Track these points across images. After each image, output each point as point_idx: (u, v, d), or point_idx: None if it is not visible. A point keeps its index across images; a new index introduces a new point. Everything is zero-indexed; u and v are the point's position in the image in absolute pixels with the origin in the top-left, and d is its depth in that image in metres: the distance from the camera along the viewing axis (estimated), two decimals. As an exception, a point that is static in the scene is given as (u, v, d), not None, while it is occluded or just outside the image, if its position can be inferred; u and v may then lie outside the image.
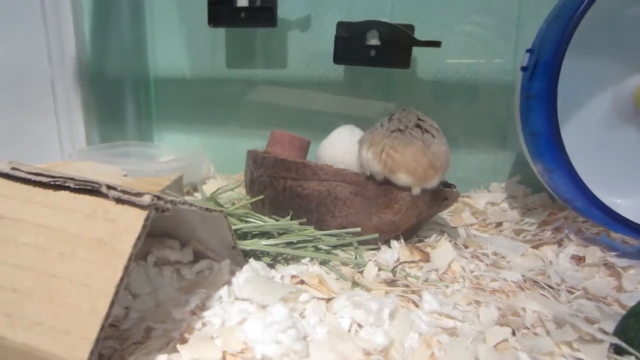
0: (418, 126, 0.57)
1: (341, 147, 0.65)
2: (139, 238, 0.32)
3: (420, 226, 0.65)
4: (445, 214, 0.76)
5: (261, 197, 0.65)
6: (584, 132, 0.65)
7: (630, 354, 0.38)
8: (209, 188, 0.81)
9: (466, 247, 0.62)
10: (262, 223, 0.56)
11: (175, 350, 0.37)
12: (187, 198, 0.68)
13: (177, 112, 1.00)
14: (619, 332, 0.41)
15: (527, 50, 0.60)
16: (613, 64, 0.63)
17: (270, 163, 0.64)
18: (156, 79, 0.99)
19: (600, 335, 0.40)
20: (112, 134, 0.96)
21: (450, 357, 0.38)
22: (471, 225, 0.72)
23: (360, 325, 0.41)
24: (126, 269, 0.31)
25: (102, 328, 0.30)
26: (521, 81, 0.62)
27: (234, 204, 0.68)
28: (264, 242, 0.53)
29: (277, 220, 0.59)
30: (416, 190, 0.56)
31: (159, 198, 0.34)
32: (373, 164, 0.56)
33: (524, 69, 0.60)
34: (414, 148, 0.54)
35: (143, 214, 0.33)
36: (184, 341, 0.38)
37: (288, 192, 0.62)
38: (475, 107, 0.85)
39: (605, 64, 0.63)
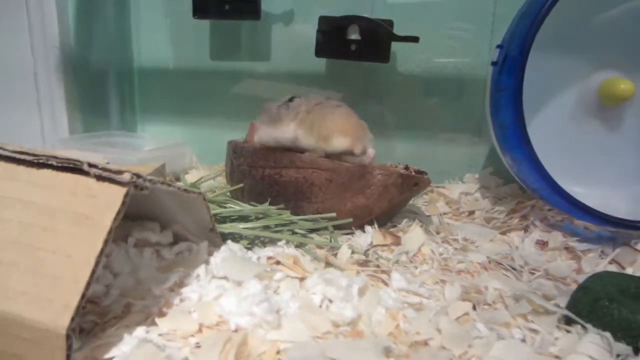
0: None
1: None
2: (118, 213, 0.34)
3: (395, 213, 0.68)
4: (420, 204, 0.79)
5: (241, 185, 0.67)
6: (551, 125, 0.68)
7: (579, 324, 0.41)
8: (191, 177, 0.82)
9: (438, 233, 0.65)
10: (240, 208, 0.58)
11: (154, 324, 0.39)
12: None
13: (161, 103, 1.01)
14: (570, 305, 0.44)
15: (497, 46, 0.63)
16: (579, 62, 0.66)
17: (249, 152, 0.66)
18: (140, 70, 1.01)
19: (552, 308, 0.43)
20: (96, 125, 0.97)
21: (414, 328, 0.41)
22: (445, 214, 0.75)
23: (330, 301, 0.44)
24: (106, 241, 0.33)
25: (83, 296, 0.32)
26: (491, 75, 0.65)
27: (214, 192, 0.70)
28: (242, 225, 0.55)
29: (255, 206, 0.61)
30: (358, 149, 0.58)
31: (138, 176, 0.36)
32: (308, 140, 0.60)
33: (494, 63, 0.63)
34: (341, 112, 0.60)
35: (123, 190, 0.35)
36: (162, 315, 0.40)
37: (266, 180, 0.64)
38: (451, 102, 0.88)
39: (572, 61, 0.66)
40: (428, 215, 0.72)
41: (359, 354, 0.35)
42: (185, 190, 0.44)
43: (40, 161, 0.36)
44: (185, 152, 0.90)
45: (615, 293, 0.41)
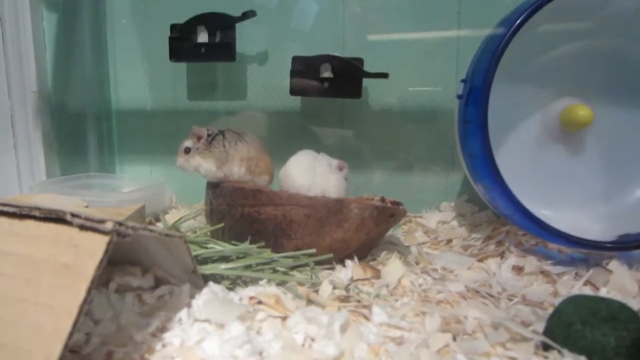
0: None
1: (301, 172, 0.69)
2: (101, 261, 0.35)
3: (374, 245, 0.69)
4: (399, 234, 0.81)
5: (221, 225, 0.68)
6: (518, 152, 0.72)
7: (555, 349, 0.42)
8: (171, 218, 0.83)
9: (417, 263, 0.67)
10: (221, 248, 0.59)
11: (137, 371, 0.39)
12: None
13: (139, 144, 1.02)
14: (546, 330, 0.46)
15: (462, 80, 0.67)
16: (539, 91, 0.71)
17: (228, 192, 0.67)
18: (118, 111, 1.02)
19: (528, 335, 0.45)
20: (74, 167, 0.97)
21: (396, 362, 0.42)
22: (423, 243, 0.77)
23: (313, 339, 0.44)
24: (89, 290, 0.34)
25: (65, 346, 0.32)
26: (458, 108, 0.68)
27: (195, 232, 0.71)
28: (223, 266, 0.56)
29: (236, 245, 0.62)
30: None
31: (120, 224, 0.37)
32: (247, 177, 0.72)
33: (459, 97, 0.66)
34: (265, 152, 0.75)
35: (105, 239, 0.36)
36: (145, 361, 0.40)
37: (246, 219, 0.65)
38: (424, 132, 0.91)
39: (533, 90, 0.70)
40: (407, 246, 0.74)
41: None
42: (166, 234, 0.45)
43: (24, 212, 0.37)
44: (164, 192, 0.91)
45: (588, 316, 0.43)
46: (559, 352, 0.42)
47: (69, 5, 0.95)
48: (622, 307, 0.44)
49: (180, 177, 0.99)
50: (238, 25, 0.86)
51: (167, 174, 1.00)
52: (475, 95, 0.63)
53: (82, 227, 0.36)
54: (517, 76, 0.69)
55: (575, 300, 0.46)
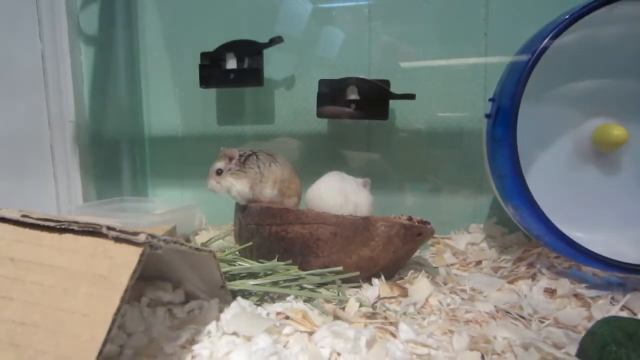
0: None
1: (333, 191, 0.70)
2: (135, 271, 0.37)
3: (401, 265, 0.69)
4: (427, 255, 0.81)
5: (250, 244, 0.70)
6: (550, 173, 0.71)
7: (588, 369, 0.42)
8: (201, 239, 0.85)
9: (445, 284, 0.67)
10: (249, 265, 0.61)
11: (167, 382, 0.41)
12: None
13: (171, 168, 1.06)
14: (579, 352, 0.45)
15: (490, 99, 0.68)
16: (571, 110, 0.70)
17: (256, 212, 0.69)
18: (151, 138, 1.07)
19: (561, 355, 0.44)
20: (109, 192, 1.02)
21: (423, 379, 0.42)
22: (452, 264, 0.76)
23: (339, 354, 0.45)
24: (122, 299, 0.36)
25: (100, 353, 0.34)
26: (486, 128, 0.68)
27: (224, 251, 0.73)
28: (252, 282, 0.57)
29: (263, 262, 0.63)
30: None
31: (152, 237, 0.39)
32: (277, 198, 0.73)
33: (487, 116, 0.67)
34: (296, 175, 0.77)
35: (139, 250, 0.38)
36: (175, 373, 0.42)
37: (274, 237, 0.67)
38: (452, 154, 0.92)
39: (564, 110, 0.70)
40: (435, 267, 0.74)
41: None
42: (196, 249, 0.47)
43: (63, 226, 0.40)
44: (195, 214, 0.94)
45: (623, 338, 0.42)
46: (592, 372, 0.41)
47: (105, 38, 1.01)
48: (658, 327, 0.43)
49: (211, 200, 1.02)
50: (265, 52, 0.90)
51: (197, 197, 1.03)
52: (504, 115, 0.63)
53: (116, 240, 0.38)
54: (546, 96, 0.69)
55: (610, 322, 0.45)
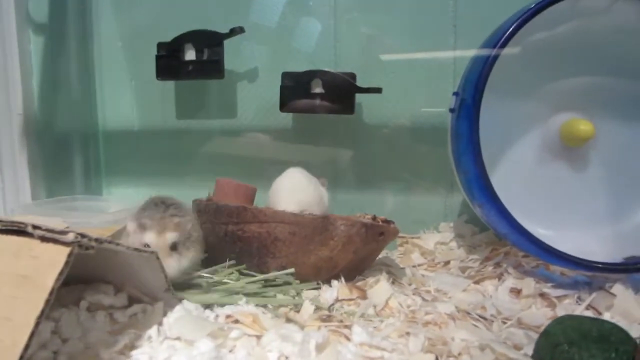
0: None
1: (296, 187, 0.71)
2: (61, 273, 0.37)
3: (365, 266, 0.70)
4: (395, 256, 0.82)
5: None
6: (516, 169, 0.72)
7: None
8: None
9: (410, 285, 0.68)
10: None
11: (101, 390, 0.40)
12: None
13: (127, 165, 1.05)
14: (534, 352, 0.46)
15: (454, 93, 0.69)
16: (538, 105, 0.72)
17: (212, 210, 0.69)
18: (105, 132, 1.05)
19: (514, 355, 0.45)
20: (59, 189, 1.00)
21: (372, 383, 0.42)
22: (420, 265, 0.77)
23: (287, 358, 0.45)
24: (47, 302, 0.36)
25: (21, 359, 0.34)
26: (450, 122, 0.69)
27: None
28: (197, 295, 0.57)
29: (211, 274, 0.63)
30: None
31: (82, 236, 0.39)
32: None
33: (451, 110, 0.68)
34: None
35: (66, 250, 0.37)
36: (110, 380, 0.42)
37: (230, 237, 0.66)
38: (423, 150, 0.93)
39: (531, 105, 0.72)
40: (402, 268, 0.75)
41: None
42: (135, 249, 0.46)
43: (-16, 225, 0.39)
44: (150, 214, 0.92)
45: (576, 337, 0.43)
46: (545, 373, 0.42)
47: (56, 27, 1.00)
48: (614, 328, 0.44)
49: (169, 198, 1.02)
50: (227, 42, 0.90)
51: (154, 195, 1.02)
52: (466, 109, 0.64)
53: (43, 239, 0.38)
54: (512, 89, 0.70)
55: (564, 321, 0.46)
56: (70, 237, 0.38)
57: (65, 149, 1.02)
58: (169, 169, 1.02)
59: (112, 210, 0.92)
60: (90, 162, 1.04)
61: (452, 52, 0.87)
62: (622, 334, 0.43)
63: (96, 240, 0.40)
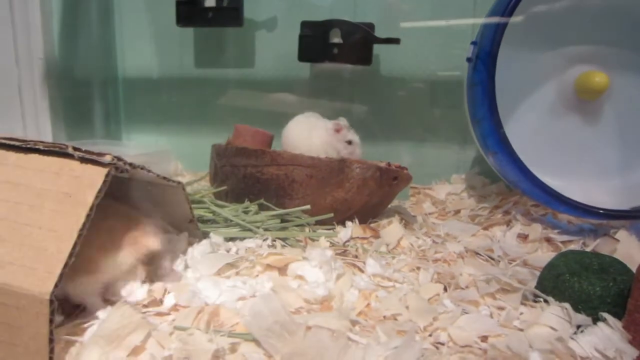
0: None
1: (307, 131, 0.74)
2: (100, 191, 0.40)
3: (378, 211, 0.73)
4: (407, 205, 0.85)
5: (224, 188, 0.73)
6: (531, 120, 0.74)
7: (542, 298, 0.46)
8: (176, 184, 0.88)
9: (420, 229, 0.71)
10: (217, 209, 0.64)
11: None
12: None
13: (146, 112, 1.08)
14: (537, 283, 0.49)
15: (472, 43, 0.70)
16: (554, 57, 0.73)
17: (231, 153, 0.72)
18: (125, 79, 1.08)
19: (518, 285, 0.48)
20: (80, 135, 1.03)
21: (384, 306, 0.46)
22: (431, 213, 0.80)
23: (305, 280, 0.49)
24: (88, 216, 0.39)
25: (66, 265, 0.37)
26: (467, 72, 0.71)
27: (199, 193, 0.76)
28: (222, 229, 0.61)
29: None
30: None
31: (119, 159, 0.42)
32: None
33: (468, 59, 0.70)
34: None
35: (104, 170, 0.41)
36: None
37: (249, 179, 0.70)
38: (438, 104, 0.95)
39: (547, 56, 0.73)
40: (413, 215, 0.78)
41: (323, 319, 0.39)
42: (164, 178, 0.49)
43: (28, 146, 0.42)
44: (169, 159, 0.96)
45: (578, 268, 0.46)
46: (545, 301, 0.46)
47: (77, -31, 1.01)
48: (614, 261, 0.47)
49: (187, 146, 1.05)
50: (247, -10, 0.91)
51: (173, 143, 1.05)
52: (483, 57, 0.66)
53: (82, 160, 0.41)
54: (530, 40, 0.71)
55: (567, 254, 0.49)
56: (107, 158, 0.41)
57: (85, 94, 1.05)
58: (187, 117, 1.05)
59: (131, 155, 0.96)
60: (110, 108, 1.07)
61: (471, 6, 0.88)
62: (620, 266, 0.46)
63: (130, 164, 0.43)
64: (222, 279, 0.49)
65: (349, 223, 0.67)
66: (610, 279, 0.44)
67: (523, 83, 0.73)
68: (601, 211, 0.65)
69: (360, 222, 0.68)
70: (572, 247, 0.65)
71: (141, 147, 0.99)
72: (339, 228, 0.67)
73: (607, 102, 0.73)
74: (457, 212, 0.80)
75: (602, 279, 0.44)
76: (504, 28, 0.63)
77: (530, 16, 0.68)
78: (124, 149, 1.00)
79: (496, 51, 0.63)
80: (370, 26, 0.87)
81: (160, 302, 0.45)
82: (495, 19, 0.65)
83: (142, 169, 0.45)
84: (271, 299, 0.38)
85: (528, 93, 0.74)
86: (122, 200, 0.55)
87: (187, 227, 0.56)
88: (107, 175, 0.40)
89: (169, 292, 0.46)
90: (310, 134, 0.74)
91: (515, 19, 0.64)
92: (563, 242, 0.65)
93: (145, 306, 0.44)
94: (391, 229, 0.65)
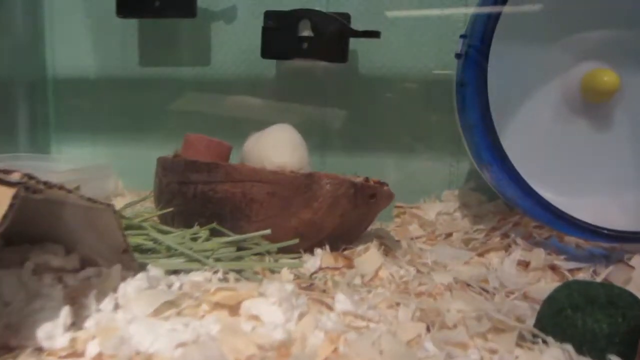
0: None
1: (285, 144, 0.73)
2: (5, 217, 0.39)
3: (353, 235, 0.73)
4: (390, 227, 0.84)
5: (170, 209, 0.72)
6: (532, 127, 0.75)
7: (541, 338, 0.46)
8: (115, 205, 0.87)
9: (404, 256, 0.70)
10: (159, 237, 0.63)
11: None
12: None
13: (80, 119, 1.07)
14: (536, 320, 0.49)
15: (461, 36, 0.70)
16: (557, 52, 0.74)
17: (179, 167, 0.71)
18: (55, 80, 1.06)
19: (512, 323, 0.48)
20: (0, 146, 1.02)
21: (354, 351, 0.45)
22: (417, 237, 0.80)
23: (259, 321, 0.48)
24: (-11, 248, 0.38)
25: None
26: (456, 70, 0.71)
27: (141, 216, 0.74)
28: (163, 260, 0.60)
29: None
30: None
31: (30, 177, 0.41)
32: None
33: (457, 55, 0.70)
34: None
35: (11, 192, 0.39)
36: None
37: (199, 199, 0.69)
38: (426, 108, 0.95)
39: (549, 52, 0.74)
40: (397, 240, 0.77)
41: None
42: (89, 199, 0.48)
43: None
44: (107, 176, 0.95)
45: (582, 302, 0.46)
46: (544, 341, 0.45)
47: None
48: (623, 293, 0.47)
49: (130, 160, 1.03)
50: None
51: (113, 156, 1.04)
52: (474, 53, 0.66)
53: (-16, 179, 0.40)
54: (527, 33, 0.72)
55: (570, 285, 0.49)
56: (15, 176, 0.40)
57: (7, 100, 1.03)
58: (130, 125, 1.04)
59: (61, 171, 0.94)
60: (37, 114, 1.06)
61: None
62: (631, 299, 0.46)
63: (45, 183, 0.42)
64: (159, 320, 0.47)
65: (317, 250, 0.67)
66: (619, 314, 0.44)
67: (520, 83, 0.74)
68: (613, 233, 0.66)
69: (332, 249, 0.68)
70: (581, 275, 0.65)
71: (74, 162, 0.98)
72: (305, 257, 0.66)
73: (618, 105, 0.74)
74: (449, 235, 0.80)
75: (609, 314, 0.44)
76: (496, 18, 0.64)
77: (527, 4, 0.68)
78: (52, 163, 0.98)
79: (488, 45, 0.64)
80: (346, 16, 0.87)
81: (81, 353, 0.43)
82: (487, 9, 0.66)
83: (60, 188, 0.44)
84: (209, 348, 0.37)
85: (526, 94, 0.75)
86: (42, 230, 0.55)
87: (120, 258, 0.55)
88: (14, 198, 0.39)
89: (93, 338, 0.45)
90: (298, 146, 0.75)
91: (510, 7, 0.64)
92: (570, 271, 0.66)
93: (62, 358, 0.43)
94: (368, 257, 0.65)
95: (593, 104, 0.74)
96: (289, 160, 0.71)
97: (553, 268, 0.67)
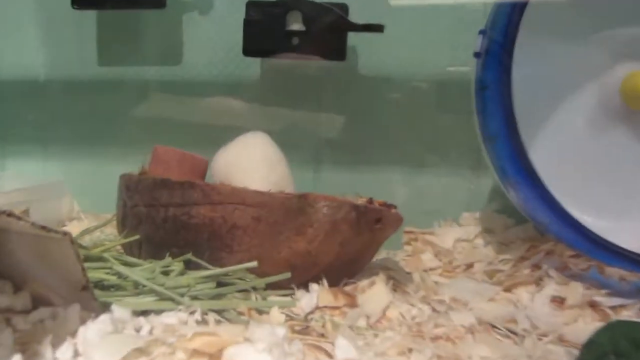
0: None
1: (258, 158, 0.74)
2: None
3: (356, 267, 0.73)
4: (400, 257, 0.85)
5: (136, 237, 0.72)
6: (564, 138, 0.76)
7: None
8: (70, 231, 0.86)
9: (417, 292, 0.71)
10: (126, 271, 0.63)
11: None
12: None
13: (28, 128, 1.06)
14: (574, 369, 0.50)
15: (480, 31, 0.71)
16: (592, 50, 0.75)
17: (147, 186, 0.71)
18: (-1, 83, 1.07)
19: (544, 372, 0.49)
20: None
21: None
22: (432, 269, 0.81)
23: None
24: None
25: None
26: (475, 71, 0.72)
27: (102, 245, 0.74)
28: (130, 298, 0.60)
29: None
30: None
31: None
32: None
33: (476, 55, 0.71)
34: None
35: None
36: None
37: (171, 224, 0.69)
38: (440, 115, 0.96)
39: (583, 49, 0.75)
40: (407, 272, 0.78)
41: None
42: (43, 228, 0.48)
43: None
44: (61, 195, 0.95)
45: (627, 347, 0.47)
46: (585, 393, 0.46)
47: None
48: (676, 336, 0.48)
49: (88, 176, 1.04)
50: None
51: (67, 172, 1.04)
52: (495, 52, 0.67)
53: None
54: (558, 29, 0.73)
55: (614, 327, 0.50)
56: (-45, 204, 0.40)
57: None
58: (88, 134, 1.04)
59: (5, 191, 0.94)
60: (-24, 124, 1.06)
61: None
62: (685, 343, 0.46)
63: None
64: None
65: (313, 286, 0.67)
66: (671, 361, 0.45)
67: (550, 86, 0.75)
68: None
69: (330, 285, 0.68)
70: (626, 314, 0.66)
71: (20, 180, 0.97)
72: (299, 293, 0.66)
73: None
74: (469, 266, 0.81)
75: (659, 361, 0.45)
76: (522, 10, 0.64)
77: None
78: (-5, 181, 0.99)
79: (512, 44, 0.65)
80: (343, 7, 0.88)
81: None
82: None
83: (9, 215, 0.44)
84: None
85: (558, 100, 0.76)
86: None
87: (79, 296, 0.55)
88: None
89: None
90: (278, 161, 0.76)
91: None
92: (613, 308, 0.66)
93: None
94: (374, 293, 0.65)
95: (635, 111, 0.75)
96: (264, 182, 0.72)
97: (593, 305, 0.67)
